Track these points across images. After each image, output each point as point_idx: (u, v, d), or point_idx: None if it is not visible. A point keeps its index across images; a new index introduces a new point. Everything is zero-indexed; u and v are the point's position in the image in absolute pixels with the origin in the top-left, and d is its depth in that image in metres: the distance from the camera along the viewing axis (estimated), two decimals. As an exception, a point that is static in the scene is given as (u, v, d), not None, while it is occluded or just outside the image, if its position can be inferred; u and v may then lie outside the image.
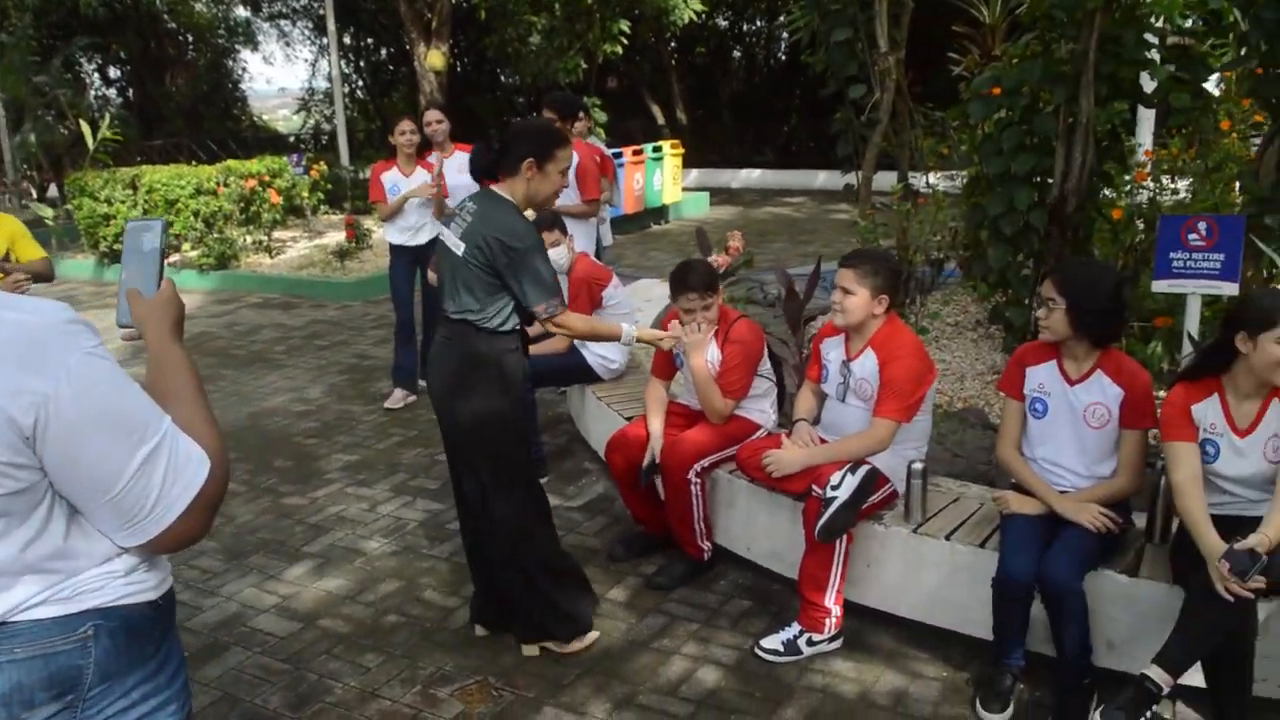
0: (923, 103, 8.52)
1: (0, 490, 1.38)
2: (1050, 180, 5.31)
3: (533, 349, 5.22)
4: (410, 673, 3.60)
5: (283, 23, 30.10)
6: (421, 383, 6.87)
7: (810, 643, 3.59)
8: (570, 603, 3.67)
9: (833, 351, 3.83)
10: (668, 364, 4.35)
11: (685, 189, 16.31)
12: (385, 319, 8.92)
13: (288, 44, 39.19)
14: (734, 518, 4.14)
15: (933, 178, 7.76)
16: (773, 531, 3.99)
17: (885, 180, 7.51)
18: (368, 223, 12.11)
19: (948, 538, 3.51)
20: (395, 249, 6.62)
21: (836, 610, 3.60)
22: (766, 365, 4.25)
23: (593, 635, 3.73)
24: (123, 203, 11.91)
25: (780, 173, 20.14)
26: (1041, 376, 3.40)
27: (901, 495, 3.70)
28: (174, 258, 12.22)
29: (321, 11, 22.55)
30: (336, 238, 12.26)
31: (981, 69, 8.69)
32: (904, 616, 3.70)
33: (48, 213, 13.78)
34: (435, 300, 6.80)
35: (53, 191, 18.24)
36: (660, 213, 14.98)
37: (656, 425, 4.19)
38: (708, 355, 4.10)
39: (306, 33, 30.39)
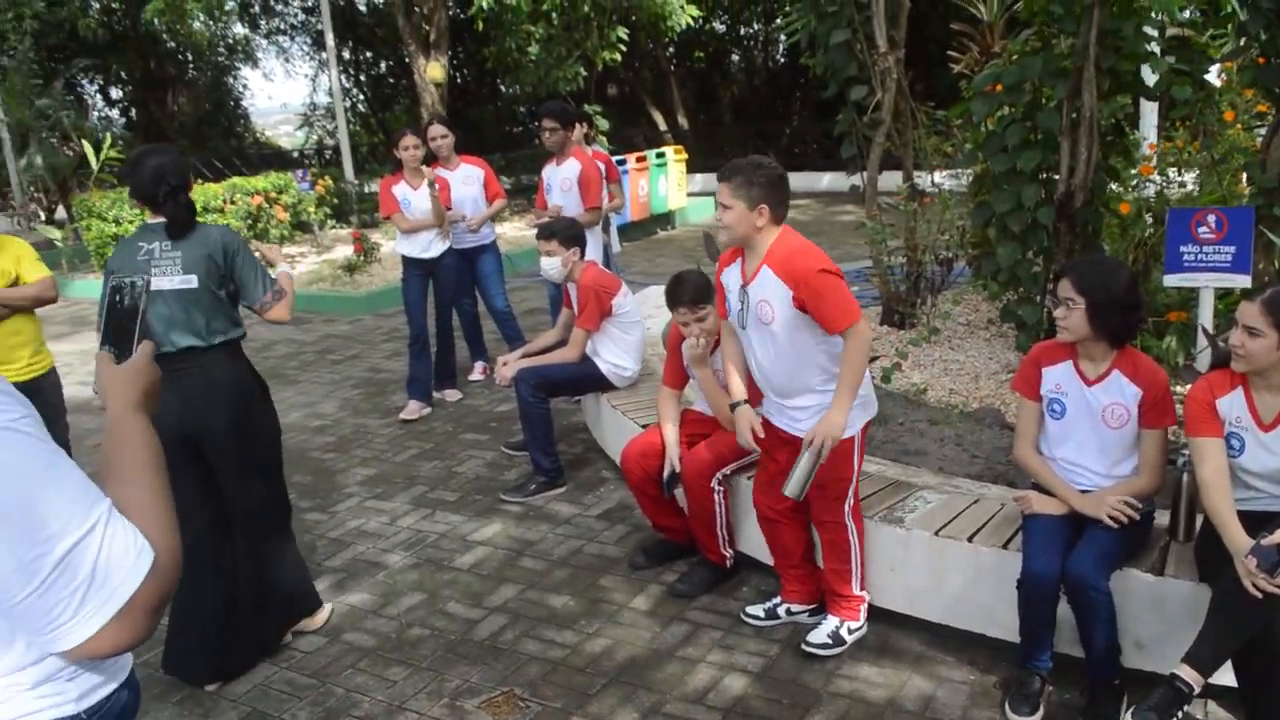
0: (925, 102, 8.52)
1: None
2: (1056, 176, 5.31)
3: (545, 358, 5.27)
4: (437, 685, 3.61)
5: (281, 39, 30.16)
6: (437, 394, 6.90)
7: (850, 631, 3.67)
8: None
9: (732, 278, 3.63)
10: (679, 373, 4.36)
11: (690, 194, 16.33)
12: (397, 332, 8.95)
13: (287, 60, 39.40)
14: (755, 525, 4.13)
15: (938, 177, 7.77)
16: (794, 537, 3.99)
17: (891, 180, 7.52)
18: (375, 236, 12.14)
19: (970, 539, 3.51)
20: (407, 262, 6.66)
21: (867, 595, 3.71)
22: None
23: None
24: (130, 222, 11.97)
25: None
26: (1058, 377, 3.39)
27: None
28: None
29: (320, 27, 22.61)
30: (344, 252, 12.29)
31: (981, 66, 8.70)
32: (929, 620, 3.70)
33: (56, 234, 13.86)
34: (447, 311, 6.88)
35: (61, 213, 18.30)
36: (666, 219, 14.99)
37: (671, 434, 4.20)
38: (716, 364, 4.11)
39: (305, 48, 30.47)
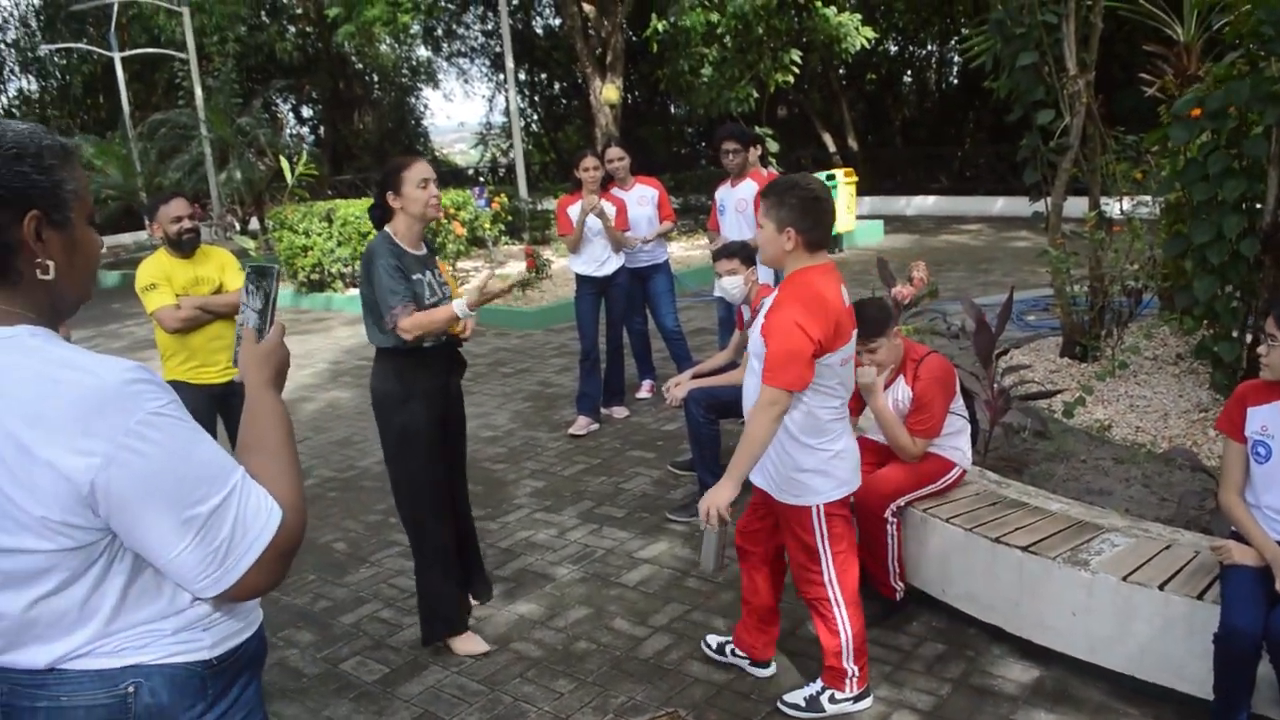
0: (1111, 125, 8.18)
1: (54, 546, 1.42)
2: (1261, 206, 5.03)
3: (717, 379, 5.27)
4: (602, 701, 3.65)
5: (462, 61, 31.31)
6: (605, 410, 7.00)
7: (833, 700, 3.48)
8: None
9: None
10: (856, 398, 4.29)
11: (859, 217, 16.12)
12: (566, 348, 9.13)
13: (466, 81, 40.81)
14: (928, 558, 4.05)
15: (1126, 204, 7.45)
16: (969, 573, 3.88)
17: (1074, 207, 7.26)
18: (547, 253, 12.42)
19: (1161, 588, 3.34)
20: (581, 279, 6.79)
21: (855, 670, 3.46)
22: (959, 402, 4.15)
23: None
24: (319, 235, 12.59)
25: (956, 199, 19.62)
26: (1264, 418, 3.20)
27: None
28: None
29: (499, 49, 23.31)
30: (517, 267, 12.61)
31: (1179, 90, 8.30)
32: (1111, 669, 3.53)
33: (250, 244, 14.70)
34: (618, 329, 6.98)
35: (254, 224, 19.40)
36: (834, 241, 14.82)
37: None
38: (897, 394, 4.03)
39: (484, 70, 31.52)
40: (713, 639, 3.93)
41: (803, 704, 3.50)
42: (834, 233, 15.15)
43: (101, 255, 1.71)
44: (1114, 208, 7.18)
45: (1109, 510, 4.06)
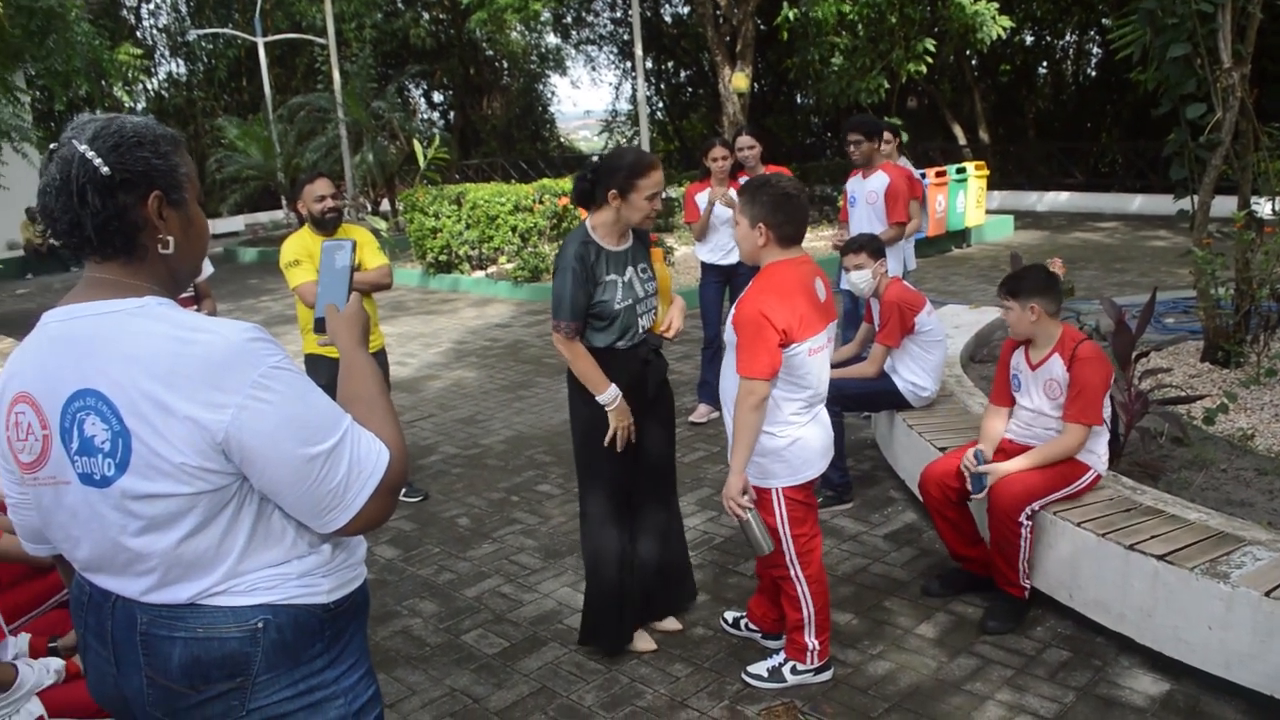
0: (1264, 121, 7.81)
1: (191, 490, 1.59)
2: None
3: (842, 372, 5.22)
4: (718, 687, 3.68)
5: (590, 49, 31.55)
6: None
7: (795, 672, 3.66)
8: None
9: None
10: (1005, 390, 4.22)
11: (988, 211, 15.73)
12: (687, 335, 9.09)
13: (594, 69, 41.12)
14: (1056, 562, 3.95)
15: (1278, 204, 7.11)
16: (1100, 580, 3.77)
17: (1222, 206, 6.95)
18: (670, 240, 12.43)
19: (1308, 604, 3.20)
20: (705, 267, 6.80)
21: (816, 645, 3.63)
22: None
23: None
24: (449, 218, 12.86)
25: (1091, 196, 18.94)
26: None
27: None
28: (490, 269, 13.05)
29: (627, 37, 23.45)
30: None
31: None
32: (1248, 687, 3.39)
33: (381, 225, 15.10)
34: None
35: (385, 206, 19.92)
36: (961, 236, 14.51)
37: (987, 447, 4.09)
38: (1053, 372, 3.96)
39: (612, 58, 31.73)
40: (729, 614, 4.11)
41: (765, 674, 3.68)
42: (962, 227, 14.85)
43: (210, 234, 1.88)
44: (1265, 207, 6.86)
45: (1251, 522, 3.90)
